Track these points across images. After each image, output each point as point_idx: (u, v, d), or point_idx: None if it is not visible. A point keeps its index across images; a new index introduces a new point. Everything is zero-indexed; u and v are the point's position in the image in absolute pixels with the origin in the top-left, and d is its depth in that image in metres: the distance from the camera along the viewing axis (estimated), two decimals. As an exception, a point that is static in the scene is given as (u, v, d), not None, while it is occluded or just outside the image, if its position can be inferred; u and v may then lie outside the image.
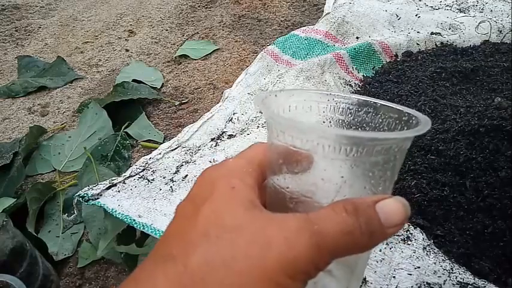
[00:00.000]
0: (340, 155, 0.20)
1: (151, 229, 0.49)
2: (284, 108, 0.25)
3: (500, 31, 0.79)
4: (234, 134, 0.66)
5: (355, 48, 0.77)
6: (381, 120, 0.26)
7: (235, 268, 0.17)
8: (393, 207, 0.19)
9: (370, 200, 0.20)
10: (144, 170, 0.60)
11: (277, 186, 0.23)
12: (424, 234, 0.47)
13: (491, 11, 0.87)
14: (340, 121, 0.27)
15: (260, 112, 0.68)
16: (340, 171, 0.21)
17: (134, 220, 0.50)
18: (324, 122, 0.27)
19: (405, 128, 0.24)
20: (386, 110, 0.26)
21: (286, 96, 0.26)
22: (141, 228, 0.50)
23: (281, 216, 0.19)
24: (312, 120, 0.27)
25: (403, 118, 0.25)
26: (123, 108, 0.77)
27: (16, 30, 1.11)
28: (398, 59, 0.77)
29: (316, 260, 0.18)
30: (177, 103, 0.80)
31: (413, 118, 0.24)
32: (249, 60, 0.89)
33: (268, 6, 1.08)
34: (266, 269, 0.17)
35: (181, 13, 1.11)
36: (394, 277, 0.43)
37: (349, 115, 0.27)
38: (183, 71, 0.90)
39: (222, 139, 0.65)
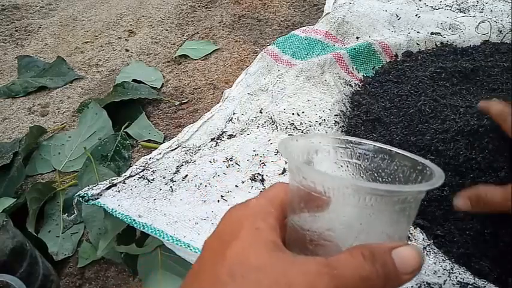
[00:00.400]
0: (359, 203, 0.21)
1: (151, 229, 0.50)
2: (304, 152, 0.28)
3: (500, 31, 0.79)
4: (234, 134, 0.66)
5: (355, 48, 0.77)
6: (396, 167, 0.28)
7: None
8: (408, 254, 0.21)
9: (387, 246, 0.21)
10: (144, 170, 0.60)
11: (298, 227, 0.24)
12: (424, 234, 0.47)
13: (491, 11, 0.87)
14: (357, 166, 0.29)
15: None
16: (359, 218, 0.22)
17: (134, 220, 0.50)
18: (341, 166, 0.29)
19: (419, 177, 0.26)
20: (401, 158, 0.28)
21: (306, 141, 0.28)
22: (141, 228, 0.50)
23: (302, 259, 0.20)
24: (331, 164, 0.29)
25: (418, 167, 0.26)
26: (123, 108, 0.77)
27: (16, 30, 1.11)
28: (398, 59, 0.77)
29: None
30: (177, 103, 0.81)
31: (427, 168, 0.26)
32: (249, 60, 0.89)
33: (268, 6, 1.08)
34: None
35: (181, 13, 1.11)
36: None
37: (366, 161, 0.29)
38: (183, 71, 0.90)
39: (222, 139, 0.65)
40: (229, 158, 0.60)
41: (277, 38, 0.86)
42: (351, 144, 0.29)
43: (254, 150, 0.61)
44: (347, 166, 0.29)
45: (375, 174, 0.29)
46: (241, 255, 0.21)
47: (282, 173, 0.57)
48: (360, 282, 0.19)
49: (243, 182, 0.57)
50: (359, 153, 0.29)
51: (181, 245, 0.48)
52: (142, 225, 0.50)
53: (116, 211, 0.51)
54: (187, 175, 0.58)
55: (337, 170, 0.29)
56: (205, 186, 0.57)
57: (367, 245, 0.21)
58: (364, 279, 0.19)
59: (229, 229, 0.23)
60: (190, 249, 0.47)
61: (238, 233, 0.22)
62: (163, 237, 0.49)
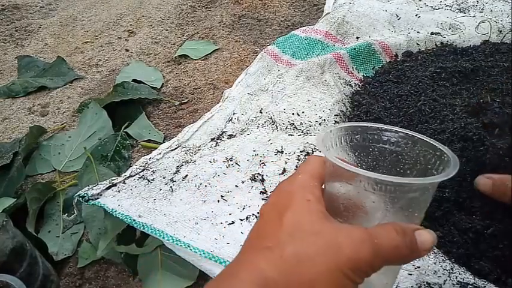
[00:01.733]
0: (386, 192, 0.27)
1: (151, 229, 0.50)
2: (337, 141, 0.32)
3: (500, 31, 0.79)
4: (234, 134, 0.66)
5: (355, 48, 0.77)
6: (417, 151, 0.32)
7: (317, 261, 0.24)
8: (427, 236, 0.27)
9: (412, 227, 0.27)
10: (144, 170, 0.60)
11: (335, 197, 0.30)
12: (424, 234, 0.47)
13: (491, 11, 0.87)
14: (383, 149, 0.33)
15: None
16: (386, 202, 0.27)
17: (134, 220, 0.50)
18: (371, 149, 0.33)
19: (438, 162, 0.30)
20: (422, 143, 0.32)
21: (337, 130, 0.32)
22: (141, 228, 0.50)
23: (348, 227, 0.26)
24: (362, 148, 0.33)
25: (437, 153, 0.31)
26: (123, 108, 0.77)
27: (16, 30, 1.11)
28: (398, 59, 0.77)
29: (373, 264, 0.25)
30: (177, 103, 0.81)
31: (445, 155, 0.30)
32: (249, 60, 0.89)
33: (268, 6, 1.08)
34: (338, 264, 0.24)
35: (181, 13, 1.11)
36: (394, 277, 0.43)
37: (391, 145, 0.33)
38: (183, 71, 0.90)
39: (222, 139, 0.65)
40: (229, 158, 0.60)
41: (277, 38, 0.86)
42: (378, 131, 0.33)
43: (254, 150, 0.61)
44: (375, 149, 0.33)
45: (399, 157, 0.33)
46: (298, 222, 0.26)
47: (282, 173, 0.57)
48: (393, 250, 0.25)
49: (243, 182, 0.57)
50: (385, 138, 0.33)
51: (181, 245, 0.48)
52: (142, 225, 0.50)
53: (115, 211, 0.51)
54: (187, 175, 0.58)
55: (366, 153, 0.34)
56: (205, 186, 0.56)
57: (396, 223, 0.26)
58: (396, 249, 0.25)
59: (283, 200, 0.28)
60: (190, 249, 0.47)
61: (291, 203, 0.27)
62: (163, 237, 0.49)
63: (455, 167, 0.28)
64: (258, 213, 0.51)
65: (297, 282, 0.24)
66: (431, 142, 0.31)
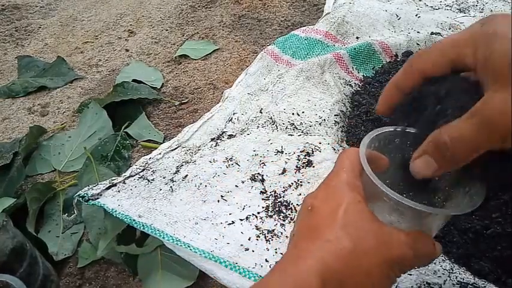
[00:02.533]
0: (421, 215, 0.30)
1: (151, 229, 0.50)
2: (369, 145, 0.33)
3: (500, 31, 0.79)
4: (234, 134, 0.66)
5: (355, 48, 0.77)
6: None
7: (371, 255, 0.28)
8: (439, 250, 0.31)
9: (432, 242, 0.31)
10: (144, 170, 0.60)
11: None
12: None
13: (491, 11, 0.87)
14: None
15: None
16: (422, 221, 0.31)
17: (134, 220, 0.50)
18: (399, 154, 0.34)
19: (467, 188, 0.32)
20: None
21: (368, 137, 0.33)
22: (141, 228, 0.50)
23: (395, 231, 0.29)
24: (398, 150, 0.34)
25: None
26: (123, 108, 0.77)
27: (16, 30, 1.11)
28: (398, 59, 0.77)
29: (412, 263, 0.30)
30: (177, 103, 0.81)
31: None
32: (249, 60, 0.89)
33: (268, 6, 1.08)
34: (388, 260, 0.28)
35: (181, 13, 1.11)
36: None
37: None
38: (183, 71, 0.90)
39: (222, 139, 0.65)
40: (229, 158, 0.60)
41: (277, 38, 0.86)
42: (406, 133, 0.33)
43: (254, 150, 0.61)
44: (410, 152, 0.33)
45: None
46: (353, 221, 0.29)
47: (282, 173, 0.57)
48: (427, 257, 0.31)
49: (243, 182, 0.57)
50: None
51: (181, 245, 0.48)
52: (142, 225, 0.50)
53: (115, 211, 0.52)
54: (187, 175, 0.58)
55: (402, 155, 0.34)
56: (205, 186, 0.57)
57: (424, 234, 0.30)
58: (429, 256, 0.31)
59: (334, 197, 0.30)
60: (191, 249, 0.47)
61: (343, 202, 0.29)
62: (163, 237, 0.49)
63: (471, 207, 0.29)
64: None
65: (356, 271, 0.28)
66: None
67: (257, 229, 0.50)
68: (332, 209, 0.30)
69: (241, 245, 0.48)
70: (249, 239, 0.49)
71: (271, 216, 0.52)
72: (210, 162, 0.60)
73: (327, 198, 0.31)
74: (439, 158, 0.28)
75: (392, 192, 0.29)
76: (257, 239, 0.49)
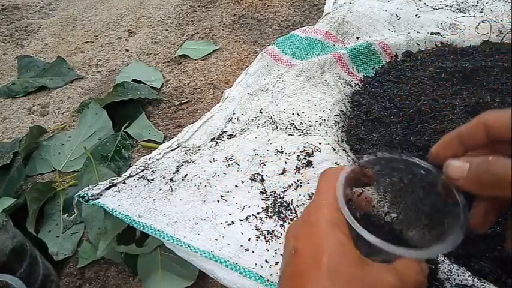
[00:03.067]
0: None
1: (151, 229, 0.50)
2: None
3: (500, 31, 0.79)
4: (234, 134, 0.66)
5: (355, 48, 0.77)
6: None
7: None
8: (426, 281, 0.30)
9: (425, 265, 0.30)
10: (144, 170, 0.60)
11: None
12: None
13: (491, 11, 0.87)
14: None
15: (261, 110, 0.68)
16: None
17: (134, 220, 0.50)
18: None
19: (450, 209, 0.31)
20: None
21: (344, 173, 0.32)
22: (141, 228, 0.50)
23: (381, 273, 0.28)
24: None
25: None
26: (123, 108, 0.77)
27: (16, 30, 1.11)
28: (398, 59, 0.77)
29: None
30: (177, 103, 0.81)
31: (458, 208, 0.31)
32: (249, 60, 0.89)
33: (268, 6, 1.08)
34: None
35: (181, 13, 1.11)
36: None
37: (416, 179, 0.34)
38: (183, 71, 0.90)
39: (222, 139, 0.65)
40: (229, 157, 0.60)
41: (277, 38, 0.86)
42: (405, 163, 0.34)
43: (254, 150, 0.61)
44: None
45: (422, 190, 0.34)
46: (336, 267, 0.27)
47: (282, 173, 0.57)
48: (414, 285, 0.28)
49: (242, 182, 0.57)
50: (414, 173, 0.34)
51: (181, 245, 0.48)
52: (142, 225, 0.50)
53: (116, 211, 0.51)
54: (187, 175, 0.58)
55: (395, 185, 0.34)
56: (205, 186, 0.56)
57: (417, 263, 0.29)
58: (420, 285, 0.29)
59: (316, 239, 0.28)
60: (191, 249, 0.47)
61: (325, 245, 0.28)
62: (163, 238, 0.49)
63: (446, 249, 0.29)
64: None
65: None
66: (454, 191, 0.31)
67: (257, 230, 0.50)
68: (315, 253, 0.28)
69: (241, 245, 0.48)
70: (248, 240, 0.49)
71: (270, 217, 0.52)
72: (210, 161, 0.60)
73: (309, 239, 0.29)
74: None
75: (375, 240, 0.28)
76: (257, 240, 0.49)
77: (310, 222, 0.30)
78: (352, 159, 0.33)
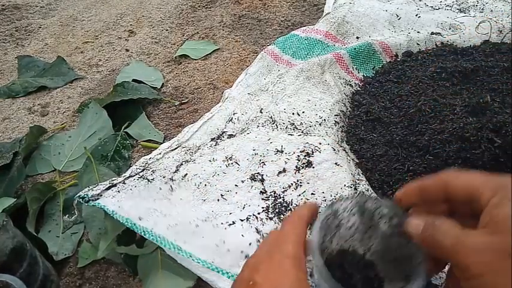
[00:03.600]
0: None
1: (152, 235, 0.49)
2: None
3: (500, 31, 0.79)
4: (234, 133, 0.66)
5: (355, 48, 0.77)
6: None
7: None
8: None
9: None
10: (144, 170, 0.60)
11: None
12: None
13: (492, 11, 0.87)
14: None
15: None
16: None
17: (135, 224, 0.50)
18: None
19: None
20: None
21: (318, 221, 0.33)
22: (142, 233, 0.50)
23: None
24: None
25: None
26: (123, 108, 0.77)
27: (16, 30, 1.11)
28: (399, 59, 0.77)
29: None
30: (177, 103, 0.81)
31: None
32: (249, 60, 0.89)
33: (268, 6, 1.08)
34: None
35: (181, 13, 1.11)
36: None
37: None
38: (183, 71, 0.90)
39: (222, 139, 0.65)
40: (228, 157, 0.60)
41: (277, 38, 0.86)
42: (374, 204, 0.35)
43: (254, 150, 0.61)
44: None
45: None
46: None
47: (282, 173, 0.57)
48: None
49: (242, 182, 0.57)
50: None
51: (183, 254, 0.48)
52: (143, 231, 0.50)
53: (116, 213, 0.51)
54: (186, 174, 0.58)
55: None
56: (205, 185, 0.56)
57: None
58: None
59: (277, 280, 0.28)
60: (193, 259, 0.47)
61: (287, 283, 0.28)
62: (164, 245, 0.49)
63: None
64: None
65: None
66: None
67: (257, 232, 0.50)
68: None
69: (242, 251, 0.48)
70: (249, 245, 0.49)
71: (271, 219, 0.52)
72: (210, 161, 0.60)
73: (269, 273, 0.29)
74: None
75: None
76: (258, 244, 0.49)
77: (271, 259, 0.30)
78: (330, 203, 0.35)
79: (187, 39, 1.00)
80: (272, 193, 0.55)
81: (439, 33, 0.81)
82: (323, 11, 0.95)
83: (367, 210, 0.35)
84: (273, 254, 0.30)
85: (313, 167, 0.57)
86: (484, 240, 0.25)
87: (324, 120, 0.65)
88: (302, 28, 0.87)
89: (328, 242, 0.36)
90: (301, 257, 0.29)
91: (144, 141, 0.73)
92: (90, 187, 0.55)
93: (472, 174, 0.29)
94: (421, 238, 0.29)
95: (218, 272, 0.46)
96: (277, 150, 0.60)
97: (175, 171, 0.59)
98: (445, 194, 0.30)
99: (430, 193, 0.31)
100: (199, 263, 0.47)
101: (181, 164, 0.60)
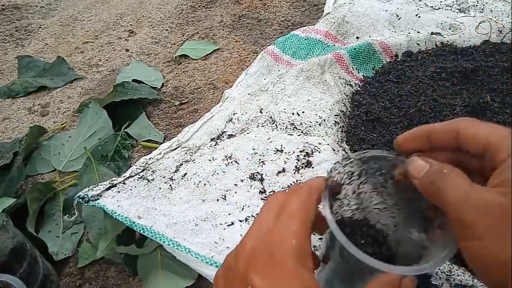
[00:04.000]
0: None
1: (151, 232, 0.49)
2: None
3: (500, 31, 0.79)
4: (234, 133, 0.66)
5: (355, 48, 0.77)
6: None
7: None
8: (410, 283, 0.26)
9: (395, 278, 0.26)
10: (144, 170, 0.60)
11: None
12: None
13: (492, 11, 0.87)
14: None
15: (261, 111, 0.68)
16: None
17: (134, 222, 0.50)
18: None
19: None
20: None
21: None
22: (141, 231, 0.50)
23: None
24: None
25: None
26: (123, 108, 0.77)
27: (16, 30, 1.11)
28: (399, 59, 0.77)
29: None
30: (177, 103, 0.81)
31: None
32: (249, 60, 0.89)
33: (268, 6, 1.08)
34: None
35: (181, 13, 1.11)
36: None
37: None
38: (183, 71, 0.90)
39: (222, 139, 0.65)
40: (228, 156, 0.60)
41: (277, 38, 0.86)
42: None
43: (254, 149, 0.61)
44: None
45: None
46: None
47: (281, 172, 0.57)
48: None
49: (242, 181, 0.57)
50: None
51: (181, 250, 0.48)
52: (142, 228, 0.50)
53: (115, 212, 0.51)
54: (186, 173, 0.58)
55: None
56: (204, 184, 0.57)
57: (385, 280, 0.26)
58: None
59: (279, 280, 0.24)
60: (191, 255, 0.47)
61: (290, 278, 0.24)
62: (163, 241, 0.49)
63: (452, 252, 0.25)
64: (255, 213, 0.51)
65: None
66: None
67: (257, 230, 0.50)
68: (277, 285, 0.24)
69: None
70: None
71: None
72: (210, 160, 0.60)
73: (270, 280, 0.24)
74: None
75: (373, 261, 0.25)
76: None
77: (273, 252, 0.25)
78: (329, 171, 0.31)
79: (187, 39, 1.00)
80: (271, 193, 0.55)
81: (439, 33, 0.81)
82: (323, 11, 0.95)
83: (371, 173, 0.31)
84: (274, 247, 0.25)
85: (313, 167, 0.57)
86: (495, 200, 0.22)
87: (324, 120, 0.65)
88: (302, 28, 0.87)
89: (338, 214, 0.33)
90: (307, 252, 0.25)
91: (144, 141, 0.73)
92: (90, 187, 0.55)
93: (490, 126, 0.26)
94: (422, 183, 0.26)
95: (217, 267, 0.46)
96: (277, 150, 0.60)
97: (175, 171, 0.59)
98: (456, 142, 0.27)
99: (438, 139, 0.28)
100: (197, 258, 0.47)
101: (181, 164, 0.60)
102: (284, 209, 0.26)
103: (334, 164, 0.31)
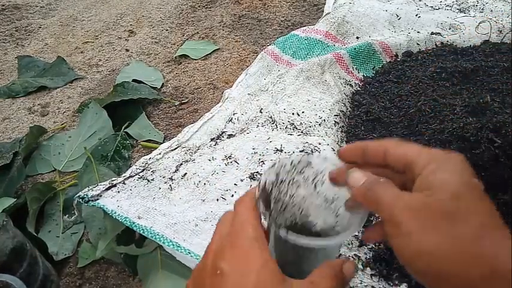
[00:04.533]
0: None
1: (151, 233, 0.49)
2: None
3: (500, 31, 0.79)
4: (233, 133, 0.66)
5: (355, 48, 0.77)
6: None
7: None
8: (351, 266, 0.30)
9: (338, 264, 0.29)
10: (144, 170, 0.60)
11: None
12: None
13: (492, 11, 0.87)
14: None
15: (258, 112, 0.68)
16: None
17: (134, 223, 0.50)
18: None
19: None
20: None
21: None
22: (141, 231, 0.50)
23: (300, 285, 0.28)
24: None
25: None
26: (123, 108, 0.77)
27: (16, 30, 1.11)
28: (399, 59, 0.77)
29: None
30: (177, 103, 0.81)
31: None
32: (249, 60, 0.89)
33: (268, 6, 1.08)
34: None
35: (181, 13, 1.11)
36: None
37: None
38: (183, 71, 0.90)
39: (222, 139, 0.65)
40: (228, 156, 0.60)
41: (277, 38, 0.86)
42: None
43: (253, 149, 0.61)
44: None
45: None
46: (261, 285, 0.27)
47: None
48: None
49: (241, 181, 0.57)
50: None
51: (181, 251, 0.48)
52: (142, 229, 0.50)
53: (115, 213, 0.51)
54: (186, 173, 0.58)
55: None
56: (204, 184, 0.56)
57: (328, 267, 0.29)
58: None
59: (245, 265, 0.28)
60: (191, 256, 0.47)
61: (254, 265, 0.28)
62: (163, 242, 0.49)
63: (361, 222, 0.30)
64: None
65: None
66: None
67: (256, 231, 0.50)
68: (243, 274, 0.28)
69: None
70: None
71: (270, 217, 0.52)
72: (209, 160, 0.60)
73: (235, 261, 0.29)
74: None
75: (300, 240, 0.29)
76: None
77: (235, 242, 0.30)
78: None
79: (187, 39, 1.00)
80: (272, 193, 0.55)
81: (439, 33, 0.81)
82: (323, 11, 0.95)
83: (307, 178, 0.36)
84: (235, 238, 0.30)
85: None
86: (421, 201, 0.26)
87: (324, 120, 0.65)
88: (302, 28, 0.87)
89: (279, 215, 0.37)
90: (262, 236, 0.30)
91: (144, 141, 0.73)
92: (90, 187, 0.55)
93: (409, 146, 0.30)
94: (359, 190, 0.30)
95: None
96: (277, 149, 0.60)
97: (175, 171, 0.59)
98: (384, 160, 0.31)
99: (370, 156, 0.32)
100: (197, 259, 0.47)
101: (181, 164, 0.60)
102: (236, 215, 0.31)
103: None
